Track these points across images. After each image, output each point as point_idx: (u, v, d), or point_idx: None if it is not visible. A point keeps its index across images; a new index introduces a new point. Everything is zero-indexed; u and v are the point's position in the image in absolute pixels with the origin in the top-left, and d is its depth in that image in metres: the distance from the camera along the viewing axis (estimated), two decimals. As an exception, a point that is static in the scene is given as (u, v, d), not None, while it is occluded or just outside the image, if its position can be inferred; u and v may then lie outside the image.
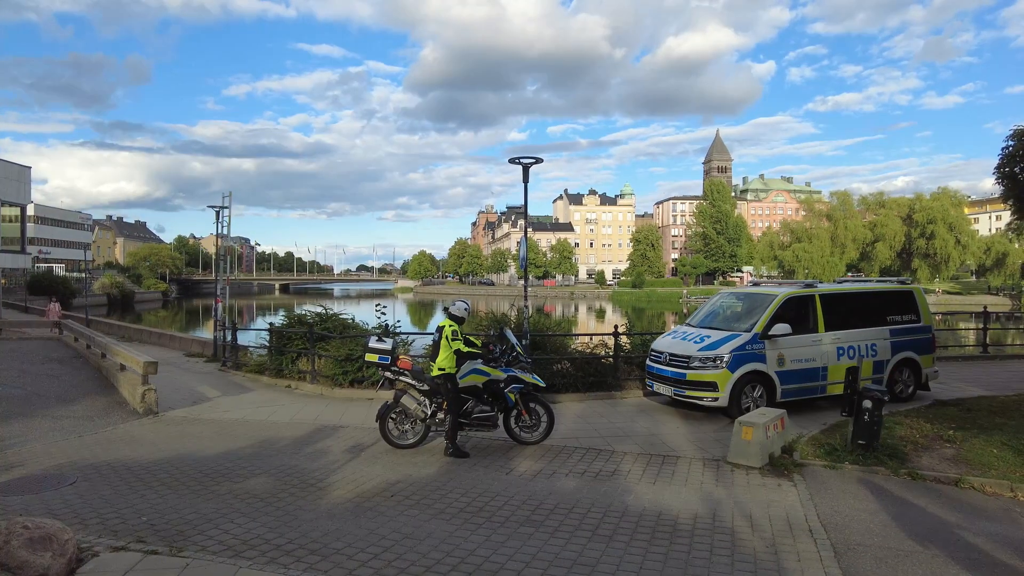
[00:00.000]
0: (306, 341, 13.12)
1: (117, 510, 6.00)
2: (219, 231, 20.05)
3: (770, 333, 9.70)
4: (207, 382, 13.79)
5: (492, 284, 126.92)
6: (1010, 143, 10.98)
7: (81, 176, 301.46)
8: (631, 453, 8.00)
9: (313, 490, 6.60)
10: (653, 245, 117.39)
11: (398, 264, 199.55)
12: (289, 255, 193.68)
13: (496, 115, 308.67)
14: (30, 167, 37.23)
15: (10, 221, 36.05)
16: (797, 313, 10.11)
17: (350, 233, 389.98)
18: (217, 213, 19.45)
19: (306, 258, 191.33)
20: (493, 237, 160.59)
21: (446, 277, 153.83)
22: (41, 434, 9.23)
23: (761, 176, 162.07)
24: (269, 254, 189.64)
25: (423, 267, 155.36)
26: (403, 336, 13.10)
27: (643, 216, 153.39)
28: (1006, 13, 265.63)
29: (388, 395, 11.63)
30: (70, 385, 13.18)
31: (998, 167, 11.27)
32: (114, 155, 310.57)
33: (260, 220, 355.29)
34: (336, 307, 15.26)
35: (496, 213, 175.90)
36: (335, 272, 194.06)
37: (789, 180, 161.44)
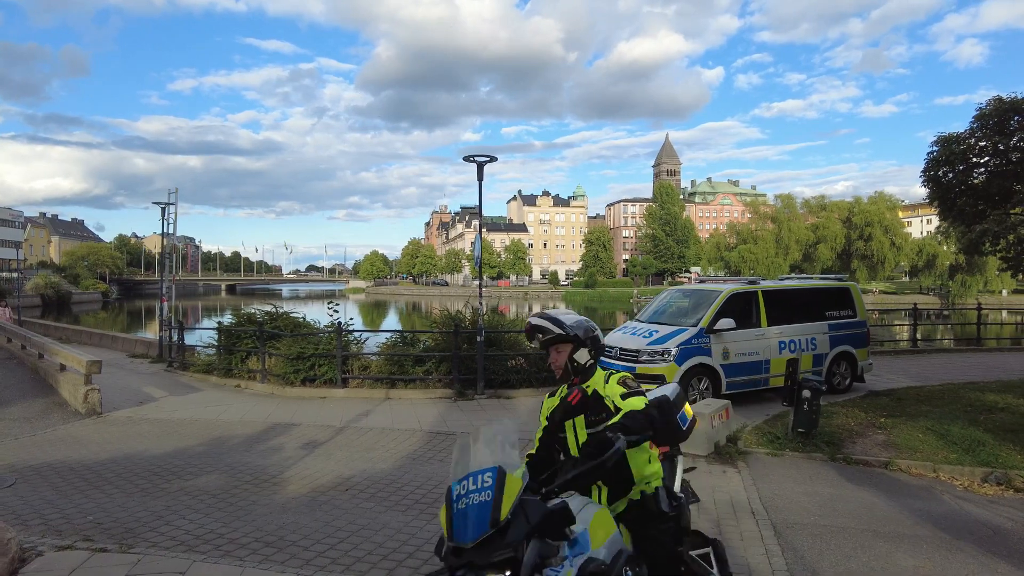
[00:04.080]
0: (256, 340, 12.90)
1: (61, 511, 5.85)
2: (164, 228, 19.49)
3: (715, 328, 10.07)
4: (153, 382, 13.41)
5: (446, 284, 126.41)
6: (934, 148, 11.68)
7: (11, 171, 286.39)
8: (583, 445, 8.17)
9: (267, 486, 6.56)
10: (605, 246, 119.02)
11: (349, 264, 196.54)
12: (236, 255, 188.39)
13: (450, 115, 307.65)
14: (-43, 161, 35.34)
15: (-66, 217, 34.05)
16: (741, 308, 10.51)
17: (299, 233, 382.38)
18: (163, 210, 18.90)
19: (254, 258, 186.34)
20: (447, 237, 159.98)
21: (400, 277, 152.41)
22: (-26, 437, 8.84)
23: (709, 179, 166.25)
24: (215, 254, 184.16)
25: (375, 267, 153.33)
26: (356, 335, 13.04)
27: (595, 218, 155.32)
28: (935, 28, 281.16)
29: (341, 393, 11.59)
30: (3, 387, 12.61)
31: (924, 171, 11.97)
32: (48, 149, 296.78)
33: (206, 219, 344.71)
34: (286, 307, 15.04)
35: (450, 213, 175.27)
36: (284, 272, 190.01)
37: (736, 183, 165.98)
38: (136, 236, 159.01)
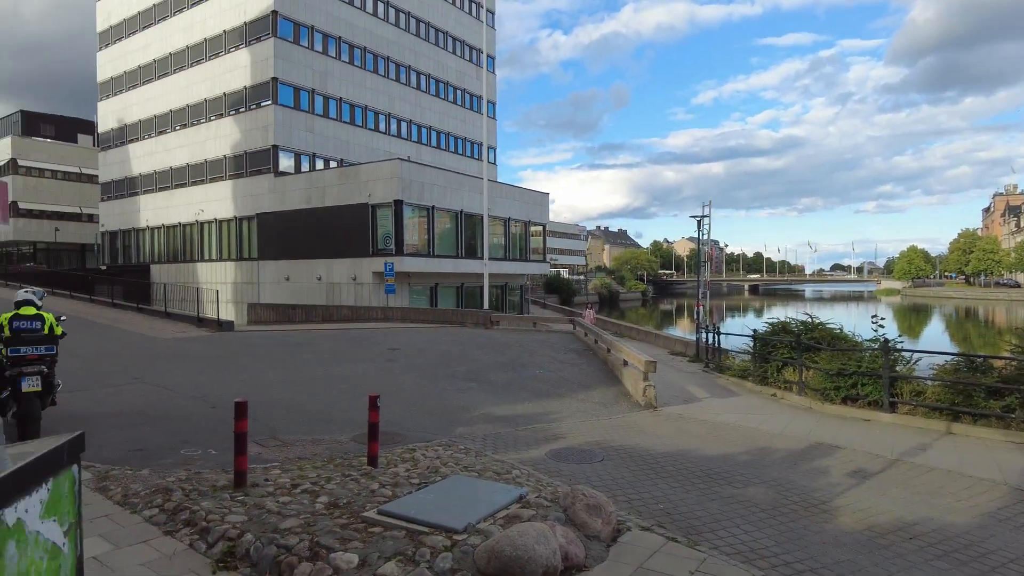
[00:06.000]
0: (791, 350, 12.79)
1: (637, 493, 6.94)
2: (700, 237, 21.26)
3: None
4: (693, 382, 14.76)
5: (1017, 286, 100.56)
6: None
7: (578, 195, 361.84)
8: None
9: (816, 511, 6.39)
10: None
11: (880, 262, 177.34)
12: (758, 255, 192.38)
13: (1016, 70, 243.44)
14: (548, 193, 46.61)
15: (536, 236, 45.60)
16: None
17: (822, 230, 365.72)
18: (698, 222, 20.66)
19: (775, 258, 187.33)
20: (1018, 225, 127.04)
21: (946, 277, 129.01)
22: (570, 413, 11.36)
23: None
24: (738, 255, 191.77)
25: (913, 265, 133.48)
26: (906, 354, 11.53)
27: None
28: None
29: (887, 418, 10.46)
30: (585, 373, 15.84)
31: None
32: (601, 173, 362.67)
33: (728, 221, 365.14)
34: (809, 310, 14.51)
35: (1020, 195, 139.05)
36: (806, 272, 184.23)
37: None
38: (667, 241, 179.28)
